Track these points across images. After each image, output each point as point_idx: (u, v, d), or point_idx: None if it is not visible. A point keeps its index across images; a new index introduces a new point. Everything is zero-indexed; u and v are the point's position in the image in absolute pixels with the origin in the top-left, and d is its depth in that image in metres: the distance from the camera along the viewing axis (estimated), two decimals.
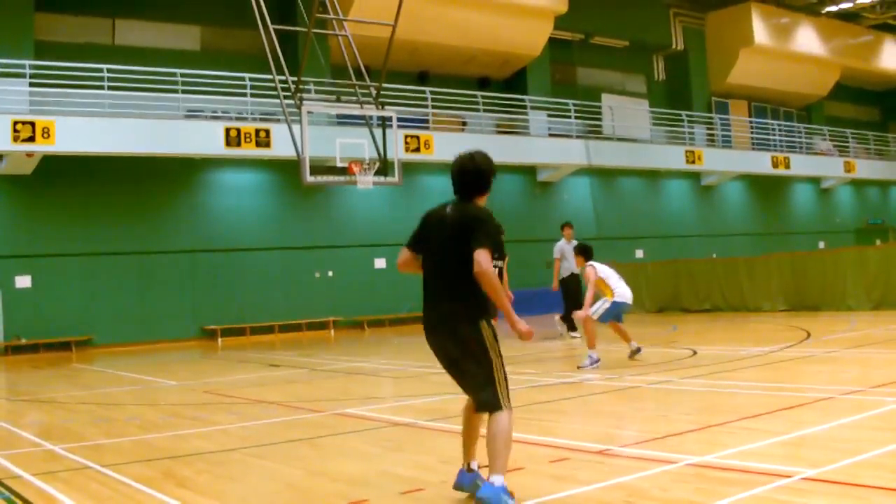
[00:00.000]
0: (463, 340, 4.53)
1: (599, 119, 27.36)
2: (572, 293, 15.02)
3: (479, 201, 4.75)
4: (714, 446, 5.63)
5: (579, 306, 14.64)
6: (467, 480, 4.75)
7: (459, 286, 4.52)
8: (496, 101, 25.11)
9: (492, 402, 4.48)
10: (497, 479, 4.37)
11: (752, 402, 7.42)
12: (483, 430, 4.67)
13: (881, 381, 8.05)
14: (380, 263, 22.51)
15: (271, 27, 13.67)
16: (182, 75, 19.48)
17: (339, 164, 14.15)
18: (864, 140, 35.88)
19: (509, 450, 4.48)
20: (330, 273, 21.99)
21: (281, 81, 13.71)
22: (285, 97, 13.66)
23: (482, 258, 4.39)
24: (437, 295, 4.63)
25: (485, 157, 4.84)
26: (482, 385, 4.52)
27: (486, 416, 4.60)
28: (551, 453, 5.72)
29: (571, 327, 15.10)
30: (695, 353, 11.66)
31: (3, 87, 17.46)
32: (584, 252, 11.34)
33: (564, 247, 15.20)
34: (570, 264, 14.93)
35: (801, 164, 31.47)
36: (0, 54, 17.60)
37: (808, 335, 13.25)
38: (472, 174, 4.74)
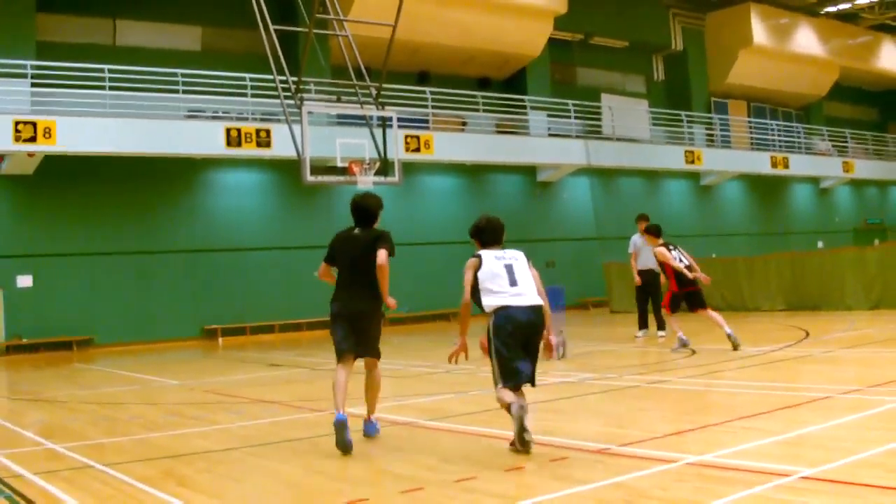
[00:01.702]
0: (372, 316, 6.68)
1: (599, 119, 27.36)
2: (651, 288, 14.29)
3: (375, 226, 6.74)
4: (713, 446, 5.63)
5: (658, 301, 14.29)
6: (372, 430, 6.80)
7: (370, 284, 6.54)
8: (496, 101, 25.12)
9: (378, 353, 6.81)
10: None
11: (750, 402, 7.43)
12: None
13: (880, 381, 8.05)
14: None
15: (272, 27, 13.66)
16: (183, 75, 19.50)
17: (339, 164, 14.12)
18: (862, 140, 35.89)
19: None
20: None
21: (281, 81, 13.70)
22: (286, 97, 13.65)
23: (382, 255, 6.42)
24: (356, 289, 6.63)
25: (375, 199, 6.80)
26: (376, 343, 6.78)
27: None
28: (551, 452, 5.72)
29: (661, 326, 14.14)
30: (694, 352, 11.67)
31: (5, 87, 17.47)
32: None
33: (638, 240, 14.52)
34: (646, 259, 14.20)
35: (799, 164, 31.48)
36: (2, 54, 17.62)
37: (807, 335, 13.26)
38: (370, 214, 6.71)
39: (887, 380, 8.11)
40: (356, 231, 6.71)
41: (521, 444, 5.64)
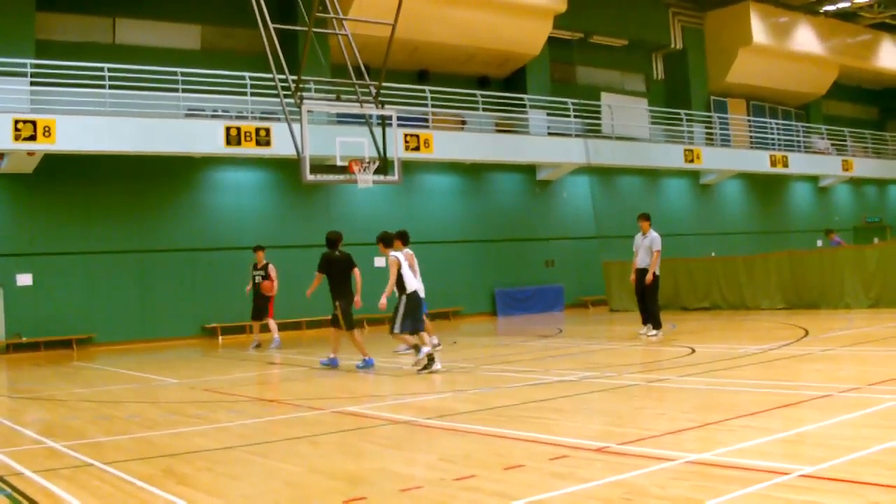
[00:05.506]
0: (349, 309, 11.96)
1: (599, 118, 27.34)
2: (637, 289, 14.35)
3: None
4: (712, 444, 5.64)
5: (648, 299, 14.18)
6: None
7: (349, 287, 11.99)
8: (496, 100, 25.10)
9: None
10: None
11: (750, 400, 7.43)
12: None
13: (879, 379, 8.06)
14: (379, 262, 22.46)
15: (271, 26, 13.66)
16: (182, 74, 19.47)
17: (339, 163, 14.11)
18: (861, 139, 35.87)
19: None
20: None
21: (281, 80, 13.71)
22: (285, 96, 13.65)
23: (358, 272, 12.36)
24: (343, 290, 12.01)
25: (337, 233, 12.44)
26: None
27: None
28: (551, 451, 5.73)
29: (653, 323, 14.14)
30: (693, 351, 11.68)
31: (5, 85, 17.45)
32: (401, 238, 12.71)
33: (638, 240, 14.41)
34: (640, 258, 14.21)
35: (799, 163, 31.46)
36: (1, 53, 17.59)
37: (807, 333, 13.27)
38: (338, 243, 12.09)
39: (887, 378, 8.12)
40: (337, 254, 12.03)
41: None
